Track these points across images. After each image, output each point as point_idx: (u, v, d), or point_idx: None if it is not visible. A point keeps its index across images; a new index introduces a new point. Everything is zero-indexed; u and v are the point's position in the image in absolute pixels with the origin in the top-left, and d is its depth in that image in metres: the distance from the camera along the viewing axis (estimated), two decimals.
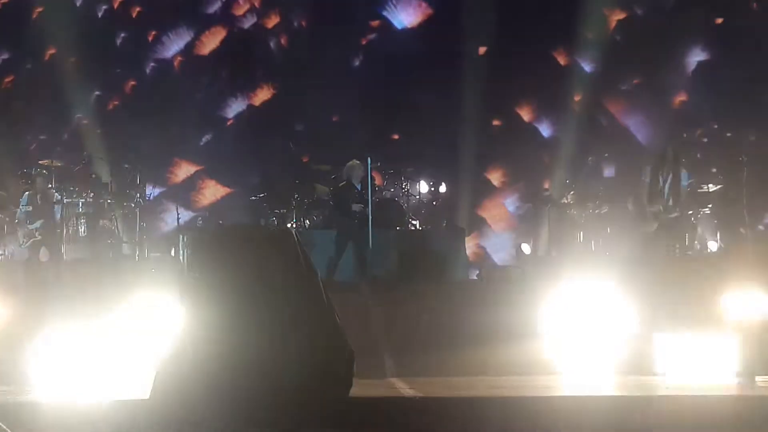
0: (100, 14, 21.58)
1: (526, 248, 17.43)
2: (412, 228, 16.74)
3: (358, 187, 14.43)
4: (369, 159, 14.46)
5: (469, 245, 16.25)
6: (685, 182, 13.23)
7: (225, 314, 4.27)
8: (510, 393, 7.22)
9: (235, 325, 4.24)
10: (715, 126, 19.67)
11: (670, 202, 12.60)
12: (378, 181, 16.74)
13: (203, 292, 4.37)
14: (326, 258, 14.14)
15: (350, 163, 14.65)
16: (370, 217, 14.01)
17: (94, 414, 5.66)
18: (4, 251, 15.40)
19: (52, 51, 21.06)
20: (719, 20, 20.21)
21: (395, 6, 21.09)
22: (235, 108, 21.21)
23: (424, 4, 21.07)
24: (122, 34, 21.55)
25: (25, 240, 14.61)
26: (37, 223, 14.51)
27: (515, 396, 6.87)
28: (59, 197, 14.76)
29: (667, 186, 12.57)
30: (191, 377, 4.31)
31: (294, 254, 4.55)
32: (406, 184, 17.08)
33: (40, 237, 14.47)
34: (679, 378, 7.28)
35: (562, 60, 20.72)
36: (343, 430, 4.18)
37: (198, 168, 20.73)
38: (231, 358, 4.22)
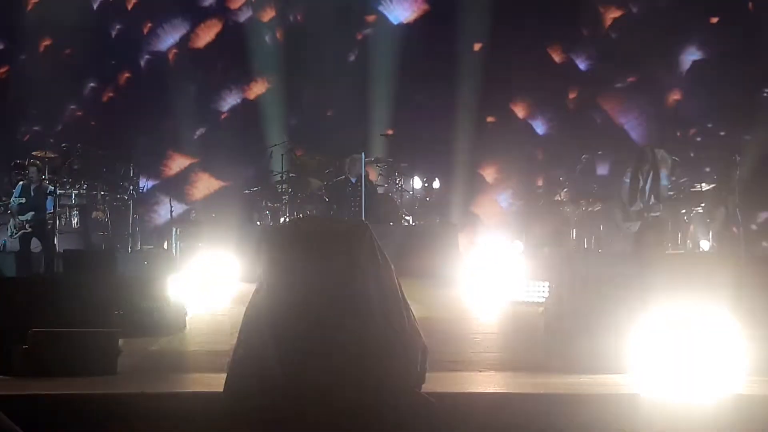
0: (95, 6, 21.55)
1: (518, 245, 17.44)
2: (406, 223, 16.74)
3: (353, 180, 14.43)
4: (363, 155, 14.48)
5: (462, 241, 16.25)
6: (665, 182, 13.28)
7: (304, 309, 4.24)
8: (498, 389, 7.23)
9: (314, 321, 4.22)
10: (709, 125, 19.71)
11: (652, 201, 12.65)
12: (372, 176, 16.74)
13: (282, 287, 4.33)
14: None
15: (350, 157, 14.65)
16: (363, 213, 14.01)
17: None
18: None
19: (47, 42, 21.04)
20: (714, 19, 20.23)
21: (391, 1, 21.08)
22: (229, 101, 21.19)
23: (419, 0, 21.07)
24: (117, 26, 21.52)
25: (14, 231, 14.57)
26: (28, 215, 14.46)
27: (505, 392, 6.87)
28: (52, 189, 14.73)
29: (648, 185, 12.62)
30: (269, 374, 4.28)
31: (372, 248, 4.52)
32: (400, 180, 17.08)
33: (30, 229, 14.40)
34: (667, 377, 7.28)
35: (557, 57, 20.73)
36: (415, 425, 4.16)
37: (192, 161, 20.72)
38: (310, 354, 4.20)
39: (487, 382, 7.73)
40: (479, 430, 5.60)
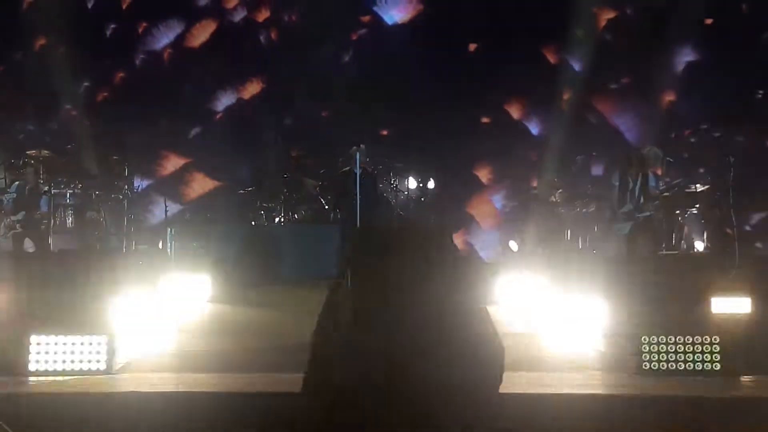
0: (90, 5, 21.52)
1: (513, 245, 17.47)
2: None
3: (357, 172, 14.22)
4: (362, 146, 14.38)
5: (457, 242, 16.25)
6: (653, 182, 13.30)
7: (391, 314, 4.25)
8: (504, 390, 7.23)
9: (401, 325, 4.22)
10: (704, 126, 19.73)
11: (641, 202, 12.67)
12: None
13: (371, 290, 4.33)
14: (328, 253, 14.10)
15: (355, 147, 14.52)
16: (359, 211, 13.94)
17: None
18: None
19: (41, 41, 21.00)
20: (709, 21, 20.26)
21: (386, 1, 21.09)
22: (224, 101, 21.18)
23: (414, 0, 21.07)
24: (112, 26, 21.50)
25: (5, 231, 14.52)
26: (20, 215, 14.41)
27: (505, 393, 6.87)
28: (47, 188, 14.70)
29: (637, 187, 12.65)
30: (353, 375, 4.28)
31: (454, 252, 4.52)
32: (395, 180, 17.09)
33: (21, 229, 14.33)
34: (661, 377, 7.30)
35: (551, 58, 20.75)
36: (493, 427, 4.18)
37: (186, 161, 20.70)
38: (396, 357, 4.20)
39: None
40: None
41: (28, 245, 14.49)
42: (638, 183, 12.77)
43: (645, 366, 7.57)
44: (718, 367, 7.49)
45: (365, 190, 14.28)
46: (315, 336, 4.52)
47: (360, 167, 14.30)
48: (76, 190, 15.81)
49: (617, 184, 13.18)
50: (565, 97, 20.25)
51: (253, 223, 16.77)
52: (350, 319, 4.30)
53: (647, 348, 7.60)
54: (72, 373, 7.29)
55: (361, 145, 14.54)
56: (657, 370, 7.54)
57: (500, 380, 4.33)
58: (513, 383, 7.59)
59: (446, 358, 4.09)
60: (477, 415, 4.14)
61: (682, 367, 7.53)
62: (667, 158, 14.84)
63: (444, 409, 4.11)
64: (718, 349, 7.51)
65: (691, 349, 7.55)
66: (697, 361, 7.51)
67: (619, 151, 16.04)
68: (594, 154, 18.94)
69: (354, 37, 21.18)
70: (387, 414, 4.16)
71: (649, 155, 13.62)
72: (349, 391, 4.26)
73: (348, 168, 14.49)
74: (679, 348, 7.57)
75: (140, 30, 21.40)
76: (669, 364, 7.56)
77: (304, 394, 4.46)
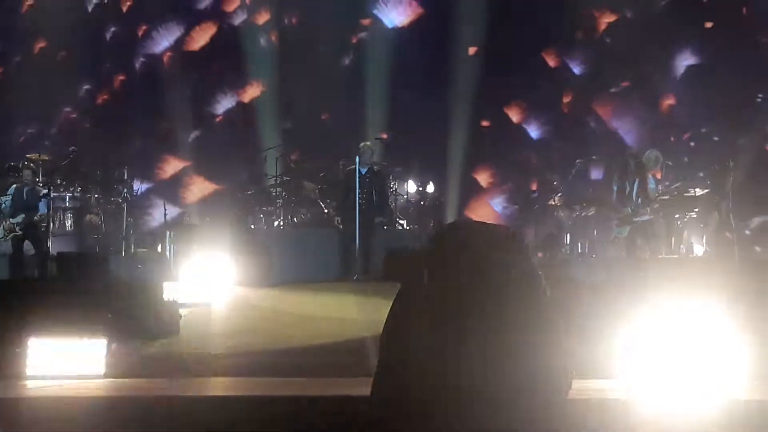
0: (90, 8, 21.54)
1: None
2: (400, 228, 16.75)
3: (363, 171, 13.92)
4: (369, 144, 14.24)
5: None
6: (653, 185, 13.29)
7: (470, 315, 4.21)
8: None
9: (474, 330, 4.18)
10: (703, 130, 19.74)
11: (640, 206, 12.68)
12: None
13: (450, 290, 4.29)
14: (338, 256, 14.10)
15: (363, 144, 14.26)
16: (358, 215, 13.85)
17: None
18: None
19: (42, 44, 21.03)
20: (709, 24, 20.27)
21: (386, 5, 21.10)
22: (224, 104, 21.19)
23: (414, 4, 21.09)
24: (112, 29, 21.52)
25: (5, 233, 14.49)
26: (19, 218, 14.37)
27: None
28: (46, 191, 14.69)
29: (634, 191, 12.65)
30: (428, 380, 4.24)
31: (527, 255, 4.48)
32: (395, 184, 17.08)
33: (20, 232, 14.28)
34: (653, 383, 7.29)
35: (551, 62, 20.76)
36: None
37: (186, 164, 20.70)
38: (467, 362, 4.17)
39: None
40: None
41: (28, 248, 14.47)
42: (636, 186, 12.77)
43: None
44: None
45: (373, 189, 14.06)
46: (385, 338, 4.44)
47: (366, 165, 14.03)
48: (75, 193, 15.82)
49: (616, 188, 13.18)
50: (565, 100, 20.26)
51: (252, 226, 16.77)
52: (426, 321, 4.23)
53: None
54: (70, 376, 7.28)
55: (368, 143, 14.38)
56: None
57: (570, 386, 4.30)
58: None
59: (521, 363, 4.05)
60: (547, 420, 4.10)
61: None
62: (667, 162, 14.84)
63: (517, 415, 4.07)
64: None
65: None
66: None
67: (619, 155, 16.05)
68: (594, 157, 18.91)
69: (354, 41, 21.19)
70: (462, 420, 4.12)
71: (649, 158, 13.61)
72: (425, 396, 4.21)
73: (353, 167, 14.21)
74: None
75: (140, 33, 21.41)
76: None
77: (372, 399, 4.38)
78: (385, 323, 4.51)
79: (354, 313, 9.98)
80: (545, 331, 4.34)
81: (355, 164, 14.03)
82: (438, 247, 4.34)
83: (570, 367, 4.33)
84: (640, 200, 12.75)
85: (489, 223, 4.02)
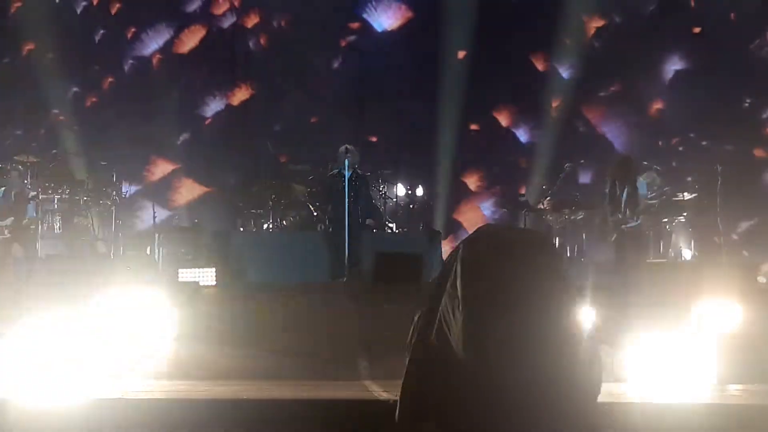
0: (79, 10, 21.47)
1: None
2: (389, 231, 16.77)
3: (347, 174, 13.89)
4: (351, 147, 14.22)
5: (446, 249, 16.25)
6: (643, 190, 13.31)
7: (502, 319, 4.17)
8: None
9: (512, 332, 4.15)
10: (691, 135, 19.81)
11: (628, 212, 12.71)
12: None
13: (483, 293, 4.25)
14: (327, 259, 14.11)
15: (344, 147, 14.20)
16: (348, 217, 13.86)
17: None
18: None
19: (30, 46, 20.94)
20: (697, 30, 20.34)
21: (375, 8, 21.11)
22: (213, 107, 21.16)
23: (404, 7, 21.10)
24: (101, 31, 21.45)
25: None
26: (8, 221, 14.30)
27: None
28: (35, 193, 14.64)
29: (624, 196, 12.67)
30: (463, 389, 4.21)
31: (560, 260, 4.45)
32: (384, 187, 17.10)
33: (9, 234, 14.20)
34: (650, 386, 7.31)
35: (540, 66, 20.80)
36: None
37: (175, 167, 20.65)
38: (507, 371, 4.13)
39: None
40: None
41: (17, 251, 14.40)
42: (625, 193, 12.78)
43: None
44: None
45: (357, 193, 14.11)
46: (414, 343, 4.39)
47: (350, 169, 14.02)
48: (63, 196, 15.78)
49: (608, 191, 13.19)
50: (554, 104, 20.30)
51: (241, 228, 16.76)
52: (457, 325, 4.17)
53: None
54: None
55: (350, 146, 14.28)
56: None
57: (599, 390, 4.28)
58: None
59: (552, 367, 4.02)
60: (577, 424, 4.08)
61: None
62: (655, 167, 14.89)
63: (547, 417, 4.04)
64: None
65: None
66: None
67: (608, 159, 16.10)
68: (582, 161, 18.96)
69: (343, 44, 21.18)
70: (492, 422, 4.07)
71: (637, 163, 13.64)
72: (451, 400, 4.16)
73: (337, 170, 14.26)
74: None
75: (129, 35, 21.35)
76: None
77: (401, 402, 4.33)
78: (413, 329, 4.45)
79: (343, 316, 9.97)
80: (577, 335, 4.30)
81: (339, 168, 14.11)
82: (473, 251, 4.28)
83: (600, 369, 4.33)
84: (628, 205, 12.76)
85: (522, 228, 4.02)
